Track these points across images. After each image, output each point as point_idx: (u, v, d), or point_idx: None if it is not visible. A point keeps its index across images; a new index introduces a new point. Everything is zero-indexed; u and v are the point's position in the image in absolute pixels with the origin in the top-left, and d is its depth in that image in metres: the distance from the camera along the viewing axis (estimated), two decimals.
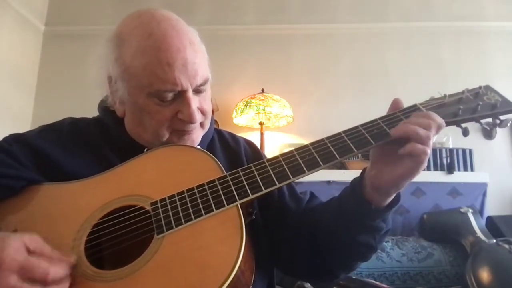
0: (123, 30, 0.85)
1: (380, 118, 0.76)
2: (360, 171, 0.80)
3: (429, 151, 0.69)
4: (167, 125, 0.84)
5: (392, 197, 0.76)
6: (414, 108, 0.78)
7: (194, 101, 0.83)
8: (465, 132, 0.77)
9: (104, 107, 0.96)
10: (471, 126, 0.77)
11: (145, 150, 0.87)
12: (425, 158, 0.69)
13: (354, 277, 1.86)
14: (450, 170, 2.53)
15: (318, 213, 0.89)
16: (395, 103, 0.79)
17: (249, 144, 1.06)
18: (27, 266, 0.58)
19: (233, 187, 0.71)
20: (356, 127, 0.76)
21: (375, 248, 0.81)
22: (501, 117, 0.78)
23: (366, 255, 0.83)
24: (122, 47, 0.83)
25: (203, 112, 0.87)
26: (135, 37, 0.81)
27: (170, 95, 0.81)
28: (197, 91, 0.85)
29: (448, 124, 0.76)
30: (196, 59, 0.82)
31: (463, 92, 0.81)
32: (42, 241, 0.63)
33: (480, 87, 0.81)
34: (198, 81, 0.82)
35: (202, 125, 0.90)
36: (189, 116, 0.82)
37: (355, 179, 0.80)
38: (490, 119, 0.79)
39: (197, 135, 0.89)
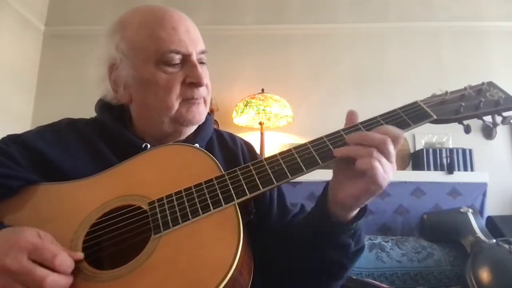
0: (123, 18, 0.91)
1: (380, 116, 0.75)
2: None
3: (379, 166, 0.65)
4: (177, 93, 0.86)
5: (355, 212, 0.73)
6: (414, 105, 0.77)
7: (200, 67, 0.88)
8: (467, 130, 0.76)
9: (102, 106, 0.96)
10: (471, 125, 0.76)
11: (143, 146, 0.88)
12: (377, 173, 0.64)
13: (354, 277, 1.86)
14: (450, 170, 2.52)
15: (293, 227, 0.88)
16: (349, 116, 0.76)
17: (247, 145, 1.06)
18: (39, 247, 0.60)
19: (230, 186, 0.70)
20: (356, 125, 0.75)
21: (346, 266, 0.78)
22: (504, 114, 0.76)
23: (337, 274, 0.80)
24: (124, 29, 0.89)
25: (206, 86, 0.91)
26: (137, 17, 0.89)
27: (177, 58, 0.85)
28: (200, 61, 0.90)
29: (450, 121, 0.74)
30: (196, 29, 0.91)
31: (465, 89, 0.79)
32: (51, 236, 0.65)
33: (482, 84, 0.80)
34: (200, 47, 0.90)
35: (205, 101, 0.92)
36: (197, 77, 0.86)
37: (321, 194, 0.78)
38: (491, 118, 0.78)
39: (202, 109, 0.91)
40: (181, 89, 0.86)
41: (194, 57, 0.87)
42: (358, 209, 0.74)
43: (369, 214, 2.41)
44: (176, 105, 0.87)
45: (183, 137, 0.94)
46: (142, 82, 0.87)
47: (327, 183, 0.76)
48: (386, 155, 0.67)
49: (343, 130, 0.75)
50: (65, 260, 0.61)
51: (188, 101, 0.88)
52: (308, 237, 0.78)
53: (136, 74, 0.87)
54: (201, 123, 0.93)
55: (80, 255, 0.65)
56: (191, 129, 0.94)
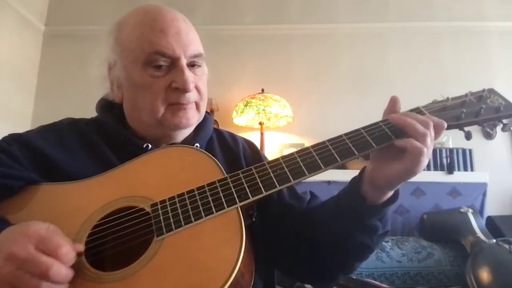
0: (122, 18, 0.91)
1: (382, 121, 0.75)
2: None
3: (427, 151, 0.68)
4: (161, 97, 0.85)
5: (389, 195, 0.76)
6: (416, 111, 0.77)
7: (189, 72, 0.85)
8: (468, 136, 0.76)
9: (103, 106, 0.96)
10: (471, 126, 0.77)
11: (143, 146, 0.88)
12: (422, 159, 0.67)
13: (354, 277, 1.86)
14: (450, 170, 2.53)
15: (317, 211, 0.88)
16: (393, 101, 0.77)
17: (249, 144, 1.06)
18: (46, 237, 0.61)
19: (233, 189, 0.70)
20: (358, 129, 0.75)
21: (371, 248, 0.80)
22: (504, 121, 0.77)
23: (363, 255, 0.83)
24: (120, 29, 0.89)
25: (198, 91, 0.89)
26: (133, 17, 0.88)
27: (162, 60, 0.84)
28: (192, 64, 0.88)
29: (450, 127, 0.75)
30: (189, 32, 0.88)
31: (466, 95, 0.79)
32: (60, 230, 0.66)
33: (483, 90, 0.80)
34: (191, 51, 0.86)
35: (197, 107, 0.90)
36: (183, 82, 0.83)
37: (354, 177, 0.80)
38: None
39: (192, 114, 0.89)
40: (166, 93, 0.85)
41: (182, 61, 0.84)
42: (390, 194, 0.76)
43: None
44: (161, 110, 0.85)
45: (178, 139, 0.93)
46: (132, 84, 0.87)
47: (364, 167, 0.79)
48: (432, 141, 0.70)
49: (345, 134, 0.75)
50: (69, 251, 0.62)
51: (174, 106, 0.86)
52: (336, 221, 0.80)
53: (127, 75, 0.87)
54: (190, 127, 0.92)
55: (81, 247, 0.66)
56: (182, 133, 0.92)
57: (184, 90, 0.84)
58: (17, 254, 0.58)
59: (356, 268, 0.88)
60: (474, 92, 0.80)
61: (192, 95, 0.87)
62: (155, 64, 0.84)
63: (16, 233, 0.62)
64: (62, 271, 0.60)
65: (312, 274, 0.90)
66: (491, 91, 0.80)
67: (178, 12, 0.90)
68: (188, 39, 0.86)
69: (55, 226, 0.65)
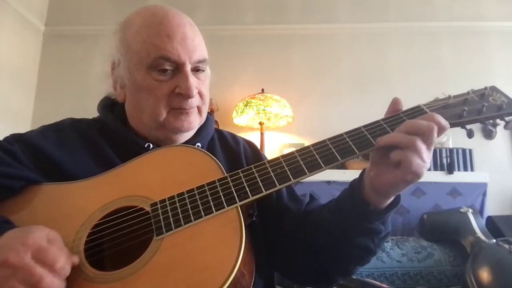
0: (128, 17, 0.91)
1: (383, 120, 0.75)
2: (360, 171, 0.78)
3: (415, 156, 0.65)
4: (165, 102, 0.85)
5: (392, 199, 0.75)
6: (417, 109, 0.76)
7: (193, 78, 0.86)
8: (470, 134, 0.75)
9: (104, 106, 0.96)
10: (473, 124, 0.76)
11: (145, 145, 0.88)
12: (411, 164, 0.65)
13: (354, 277, 1.86)
14: (450, 170, 2.53)
15: (316, 214, 0.88)
16: (394, 103, 0.76)
17: (250, 144, 1.06)
18: (44, 249, 0.60)
19: (233, 189, 0.70)
20: (359, 128, 0.74)
21: (373, 251, 0.79)
22: (507, 119, 0.76)
23: (364, 259, 0.81)
24: (126, 29, 0.89)
25: (200, 95, 0.90)
26: (139, 18, 0.88)
27: (167, 65, 0.84)
28: (196, 69, 0.88)
29: (452, 125, 0.73)
30: (195, 37, 0.88)
31: (468, 93, 0.78)
32: (60, 238, 0.65)
33: (485, 88, 0.79)
34: (196, 57, 0.86)
35: (199, 110, 0.91)
36: (186, 89, 0.84)
37: (354, 180, 0.79)
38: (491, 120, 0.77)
39: (194, 118, 0.89)
40: (170, 98, 0.85)
41: (187, 67, 0.85)
42: (393, 197, 0.75)
43: None
44: (164, 113, 0.86)
45: (179, 142, 0.92)
46: (135, 85, 0.87)
47: (363, 170, 0.77)
48: (429, 143, 0.67)
49: (346, 133, 0.74)
50: (65, 265, 0.61)
51: (176, 110, 0.87)
52: (338, 225, 0.78)
53: (130, 77, 0.87)
54: (191, 131, 0.92)
55: (76, 259, 0.65)
56: (183, 136, 0.92)
57: (187, 96, 0.85)
58: (12, 261, 0.57)
59: (355, 272, 0.87)
60: (476, 90, 0.79)
61: (194, 100, 0.88)
62: (160, 69, 0.84)
63: (15, 240, 0.61)
64: (55, 283, 0.59)
65: (310, 277, 0.90)
66: (493, 88, 0.79)
67: (185, 16, 0.90)
68: (194, 45, 0.86)
69: (55, 231, 0.65)
